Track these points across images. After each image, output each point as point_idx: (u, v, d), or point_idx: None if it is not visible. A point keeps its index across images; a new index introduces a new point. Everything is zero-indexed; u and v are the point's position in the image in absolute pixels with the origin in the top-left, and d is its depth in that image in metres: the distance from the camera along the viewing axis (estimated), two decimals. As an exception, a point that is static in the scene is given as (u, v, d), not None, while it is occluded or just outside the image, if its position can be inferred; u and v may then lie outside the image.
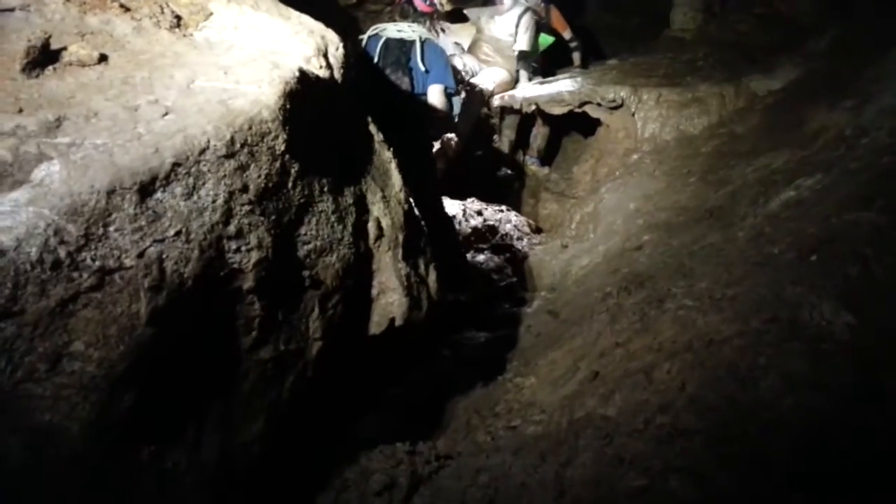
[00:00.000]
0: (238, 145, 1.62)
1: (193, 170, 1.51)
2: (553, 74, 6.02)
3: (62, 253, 1.29)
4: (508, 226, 5.22)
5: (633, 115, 4.84)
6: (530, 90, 5.58)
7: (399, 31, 4.09)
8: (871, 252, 2.04)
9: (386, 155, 2.42)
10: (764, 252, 2.53)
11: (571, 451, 2.14)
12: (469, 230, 4.94)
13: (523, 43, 5.69)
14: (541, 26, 5.96)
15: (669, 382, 2.17)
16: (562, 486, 2.01)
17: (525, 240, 5.01)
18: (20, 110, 1.52)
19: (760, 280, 2.36)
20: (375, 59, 3.96)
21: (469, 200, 5.54)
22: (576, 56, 6.26)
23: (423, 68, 4.00)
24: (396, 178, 2.39)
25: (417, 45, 4.01)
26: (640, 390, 2.26)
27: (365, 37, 4.14)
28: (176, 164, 1.48)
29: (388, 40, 4.04)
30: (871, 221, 2.16)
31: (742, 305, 2.28)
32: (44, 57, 1.71)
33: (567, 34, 6.22)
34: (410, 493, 2.11)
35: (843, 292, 2.00)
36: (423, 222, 2.53)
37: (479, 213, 5.30)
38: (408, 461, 2.22)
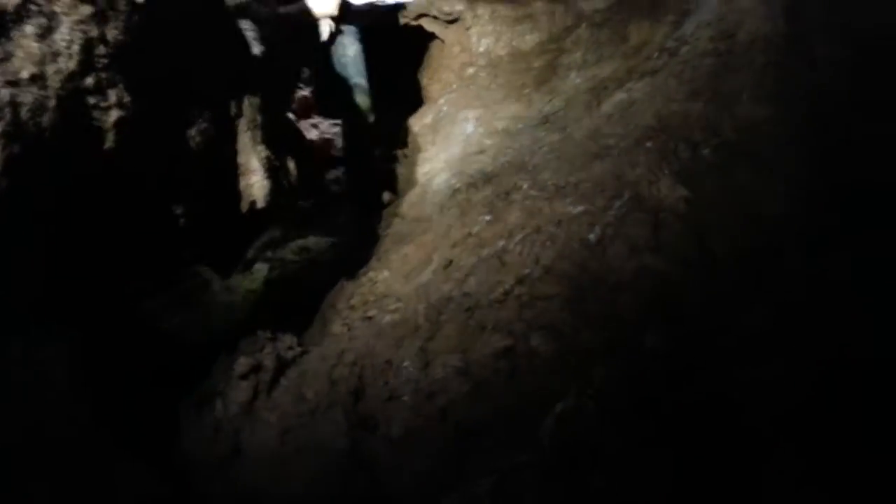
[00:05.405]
0: (92, -10, 1.47)
1: (46, 9, 1.36)
2: None
3: None
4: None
5: (468, 29, 4.90)
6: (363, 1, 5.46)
7: None
8: (700, 136, 2.28)
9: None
10: (601, 144, 2.72)
11: (433, 327, 2.22)
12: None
13: None
14: None
15: (523, 260, 2.30)
16: (427, 358, 2.09)
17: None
18: None
19: (601, 168, 2.54)
20: None
21: (304, 112, 5.38)
22: None
23: None
24: (251, 61, 2.29)
25: None
26: (494, 271, 2.37)
27: None
28: (27, 1, 1.32)
29: None
30: (699, 111, 2.39)
31: (586, 190, 2.45)
32: None
33: None
34: (277, 375, 2.10)
35: (677, 171, 2.22)
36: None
37: (315, 126, 5.19)
38: (271, 346, 2.20)
